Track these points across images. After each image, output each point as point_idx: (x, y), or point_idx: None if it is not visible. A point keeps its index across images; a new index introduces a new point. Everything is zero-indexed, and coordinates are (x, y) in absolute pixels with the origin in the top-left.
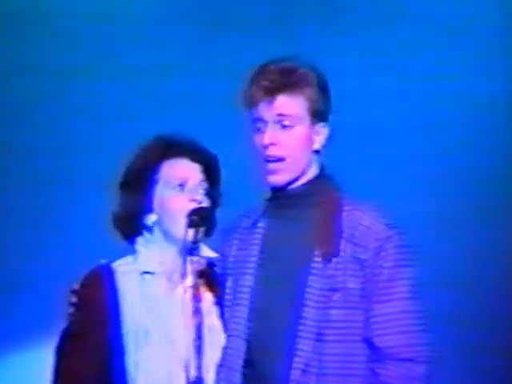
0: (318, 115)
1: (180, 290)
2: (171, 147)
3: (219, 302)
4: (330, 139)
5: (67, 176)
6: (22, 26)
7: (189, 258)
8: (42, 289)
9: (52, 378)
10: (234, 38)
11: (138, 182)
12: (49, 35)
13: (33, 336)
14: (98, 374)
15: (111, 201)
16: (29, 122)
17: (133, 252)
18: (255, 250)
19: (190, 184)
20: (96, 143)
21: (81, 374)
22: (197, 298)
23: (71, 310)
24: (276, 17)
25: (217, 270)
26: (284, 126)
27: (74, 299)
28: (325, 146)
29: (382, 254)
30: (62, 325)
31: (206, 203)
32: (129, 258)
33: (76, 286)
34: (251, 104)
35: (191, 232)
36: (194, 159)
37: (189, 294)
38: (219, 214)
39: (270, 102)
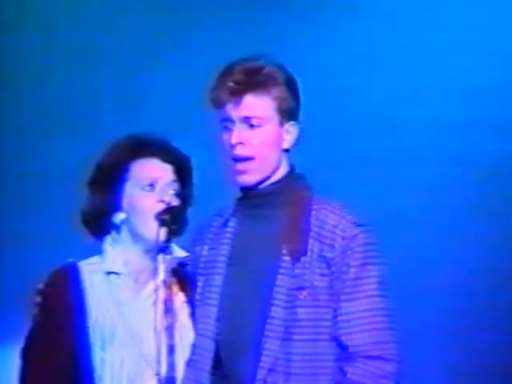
0: (287, 114)
1: (148, 289)
2: (142, 146)
3: (190, 302)
4: (301, 137)
5: (37, 171)
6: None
7: (161, 257)
8: (7, 288)
9: (19, 379)
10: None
11: (108, 180)
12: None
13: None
14: (66, 373)
15: (80, 198)
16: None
17: (100, 251)
18: (225, 250)
19: (161, 184)
20: (70, 139)
21: (48, 373)
22: (169, 297)
23: (36, 310)
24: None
25: (188, 269)
26: (252, 126)
27: (39, 299)
28: (295, 145)
29: (348, 252)
30: (26, 325)
31: (175, 203)
32: (96, 258)
33: (41, 286)
34: (218, 104)
35: (163, 231)
36: (166, 159)
37: (161, 292)
38: (191, 213)
39: (237, 103)
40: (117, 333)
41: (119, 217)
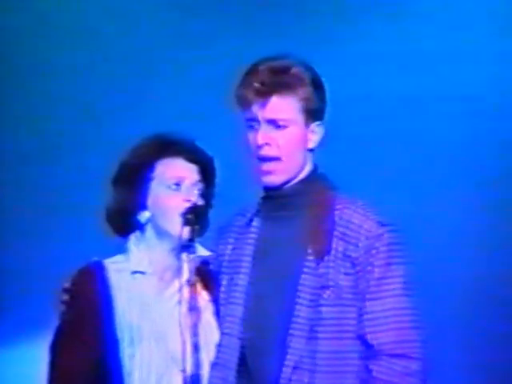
0: (313, 115)
1: (173, 288)
2: (168, 146)
3: (214, 300)
4: (326, 137)
5: (60, 173)
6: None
7: (185, 256)
8: (34, 287)
9: (48, 376)
10: (232, 36)
11: (133, 179)
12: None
13: (25, 334)
14: (94, 370)
15: (103, 198)
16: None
17: (124, 251)
18: (249, 249)
19: (186, 184)
20: (91, 140)
21: (77, 370)
22: (193, 296)
23: (63, 307)
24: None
25: (211, 268)
26: (278, 126)
27: (66, 297)
28: (320, 145)
29: (373, 251)
30: (53, 323)
31: (200, 203)
32: (120, 257)
33: (67, 284)
34: (244, 104)
35: (187, 230)
36: (191, 159)
37: (185, 291)
38: (213, 212)
39: (263, 104)
40: (144, 330)
41: (144, 215)
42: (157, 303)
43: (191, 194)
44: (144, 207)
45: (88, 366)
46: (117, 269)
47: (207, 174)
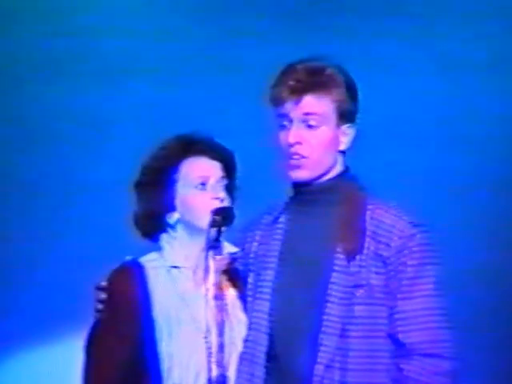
0: (345, 116)
1: (203, 286)
2: (189, 146)
3: (241, 297)
4: (357, 139)
5: (86, 176)
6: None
7: (211, 255)
8: (63, 287)
9: (84, 374)
10: (259, 34)
11: (158, 182)
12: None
13: (58, 332)
14: (132, 368)
15: (126, 200)
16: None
17: (156, 249)
18: (276, 246)
19: (212, 182)
20: (117, 142)
21: (115, 368)
22: (219, 296)
23: (100, 306)
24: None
25: (238, 265)
26: (309, 126)
27: (103, 295)
28: (351, 147)
29: (405, 251)
30: (88, 321)
31: (227, 201)
32: (154, 254)
33: (104, 283)
34: (277, 102)
35: (213, 231)
36: (213, 157)
37: (211, 292)
38: (240, 211)
39: (297, 102)
40: (182, 325)
41: (173, 216)
42: (194, 297)
43: (217, 191)
44: (172, 208)
45: (126, 364)
46: (153, 266)
47: (229, 168)
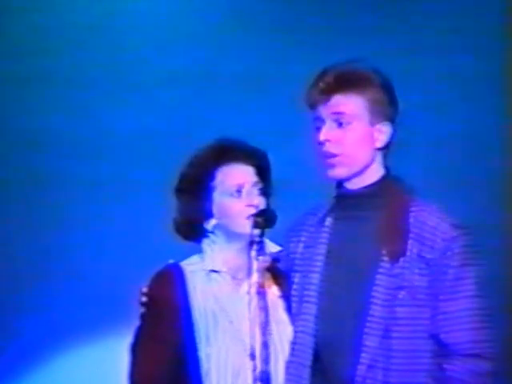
0: (379, 114)
1: (245, 287)
2: (224, 153)
3: (284, 296)
4: (400, 142)
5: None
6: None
7: (254, 256)
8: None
9: (128, 377)
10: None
11: (195, 190)
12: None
13: (103, 333)
14: (173, 370)
15: (169, 204)
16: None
17: (198, 252)
18: (322, 248)
19: (247, 188)
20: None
21: (156, 371)
22: (263, 295)
23: (143, 309)
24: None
25: (281, 265)
26: (340, 124)
27: (145, 299)
28: (392, 150)
29: (448, 253)
30: (133, 323)
31: (262, 205)
32: (195, 258)
33: (146, 287)
34: (310, 104)
35: (256, 232)
36: (247, 162)
37: (254, 290)
38: (283, 213)
39: (326, 102)
40: (220, 328)
41: (211, 223)
42: (232, 301)
43: (252, 197)
44: (210, 215)
45: (167, 367)
46: (193, 270)
47: (263, 171)
